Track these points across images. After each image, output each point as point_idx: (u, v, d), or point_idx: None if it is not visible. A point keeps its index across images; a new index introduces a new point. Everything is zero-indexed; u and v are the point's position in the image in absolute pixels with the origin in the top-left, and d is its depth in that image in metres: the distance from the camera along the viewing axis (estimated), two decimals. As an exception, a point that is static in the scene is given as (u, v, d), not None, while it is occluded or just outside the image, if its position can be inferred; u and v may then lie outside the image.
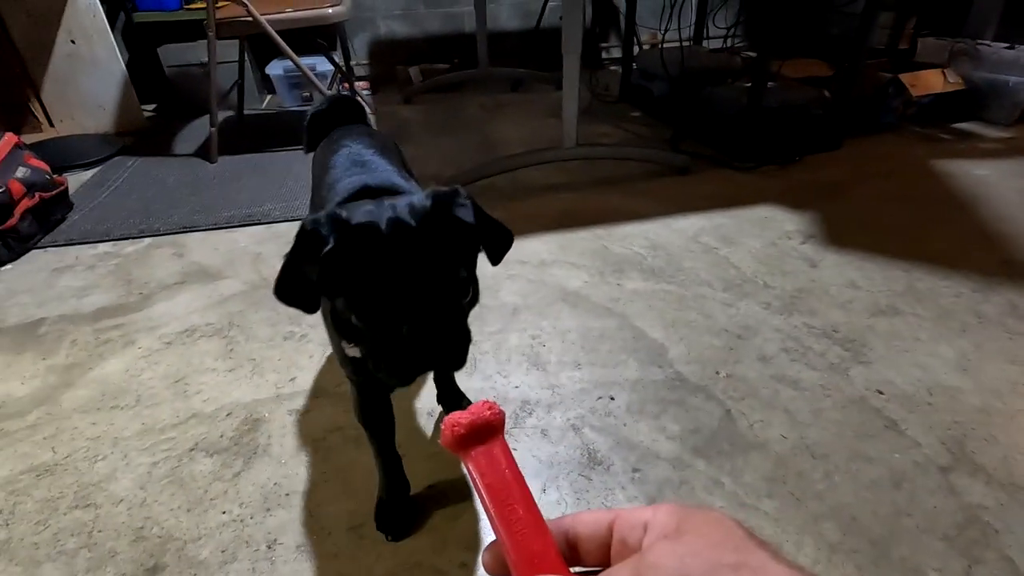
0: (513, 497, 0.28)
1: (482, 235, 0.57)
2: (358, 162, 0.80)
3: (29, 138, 2.25)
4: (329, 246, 0.50)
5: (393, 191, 0.71)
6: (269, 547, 0.79)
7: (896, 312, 1.19)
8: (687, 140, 2.10)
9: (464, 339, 0.54)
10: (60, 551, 0.80)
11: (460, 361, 0.54)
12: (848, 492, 0.83)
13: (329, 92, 2.23)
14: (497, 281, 1.34)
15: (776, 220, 1.57)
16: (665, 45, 2.20)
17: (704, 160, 1.95)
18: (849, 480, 0.85)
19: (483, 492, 0.29)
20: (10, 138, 1.60)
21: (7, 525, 0.83)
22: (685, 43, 2.21)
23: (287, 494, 0.86)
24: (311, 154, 1.00)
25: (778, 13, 1.94)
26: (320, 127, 1.00)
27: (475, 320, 1.18)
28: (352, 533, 0.80)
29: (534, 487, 0.82)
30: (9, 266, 1.49)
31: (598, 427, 0.96)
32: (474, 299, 0.57)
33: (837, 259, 1.38)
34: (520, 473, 0.29)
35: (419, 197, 0.54)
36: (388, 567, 0.76)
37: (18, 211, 1.50)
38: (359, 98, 2.60)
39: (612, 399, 1.01)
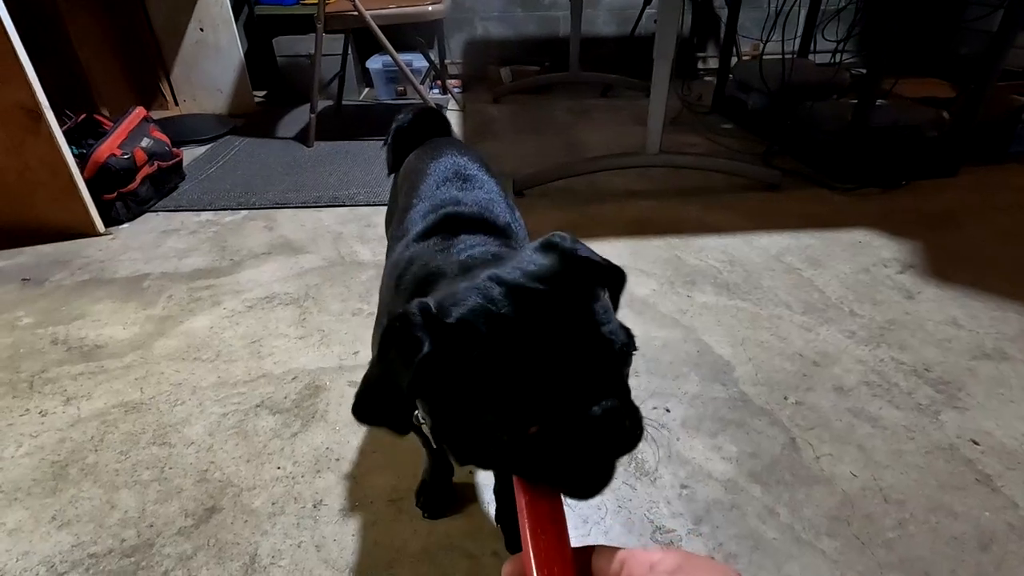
0: (546, 513, 0.31)
1: (611, 276, 0.44)
2: (461, 175, 0.73)
3: (157, 114, 2.49)
4: (425, 350, 0.36)
5: (487, 224, 0.62)
6: (315, 506, 0.82)
7: (1004, 357, 1.07)
8: (781, 156, 1.99)
9: (637, 410, 0.40)
10: (136, 480, 0.87)
11: (638, 436, 0.40)
12: (923, 545, 0.75)
13: (422, 87, 2.32)
14: (563, 281, 1.33)
15: (872, 246, 1.46)
16: (767, 57, 2.10)
17: (797, 177, 1.84)
18: (927, 532, 0.77)
19: (522, 503, 0.32)
20: (140, 111, 1.79)
21: (96, 451, 0.92)
22: (789, 55, 2.09)
23: (337, 459, 0.90)
24: (393, 175, 0.93)
25: (899, 29, 1.79)
26: (405, 143, 0.95)
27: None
28: (392, 506, 0.82)
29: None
30: (126, 225, 1.66)
31: (650, 438, 0.92)
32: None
33: (938, 293, 1.26)
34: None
35: (530, 254, 0.41)
36: (422, 543, 0.77)
37: (139, 176, 1.67)
38: (440, 100, 2.68)
39: (668, 411, 0.97)
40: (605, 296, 0.42)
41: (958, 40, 2.60)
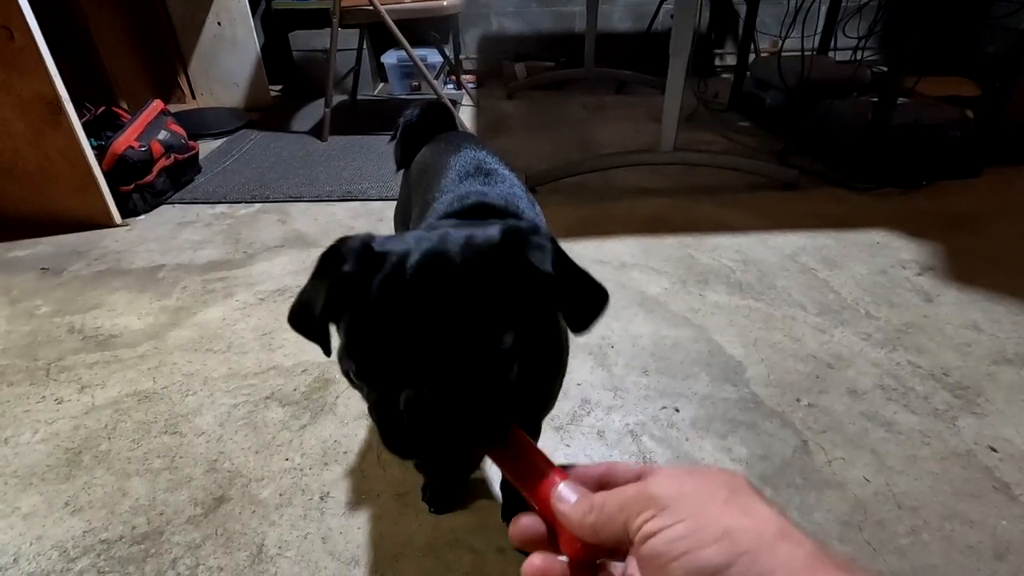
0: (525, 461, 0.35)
1: (563, 290, 0.40)
2: (483, 170, 0.72)
3: (174, 107, 2.52)
4: (345, 268, 0.39)
5: (513, 214, 0.62)
6: (322, 498, 0.83)
7: (1025, 363, 1.04)
8: (798, 154, 1.96)
9: (487, 429, 0.36)
10: (147, 468, 0.88)
11: (469, 461, 0.40)
12: (937, 553, 0.74)
13: (436, 82, 2.31)
14: (574, 278, 1.32)
15: (890, 247, 1.43)
16: (786, 53, 2.07)
17: (814, 176, 1.82)
18: (940, 540, 0.75)
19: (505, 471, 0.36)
20: (157, 104, 1.81)
21: (109, 439, 0.94)
22: (809, 52, 2.06)
23: (344, 452, 0.90)
24: (400, 172, 0.93)
25: (922, 25, 1.75)
26: (413, 139, 0.94)
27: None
28: (398, 500, 0.82)
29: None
30: (143, 216, 1.68)
31: (658, 437, 0.91)
32: (549, 368, 0.42)
33: (958, 296, 1.23)
34: (526, 444, 0.36)
35: (490, 230, 0.41)
36: (427, 538, 0.77)
37: (156, 169, 1.69)
38: (455, 96, 2.68)
39: (677, 411, 0.96)
40: (550, 307, 0.42)
41: (984, 38, 2.53)
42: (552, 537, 0.31)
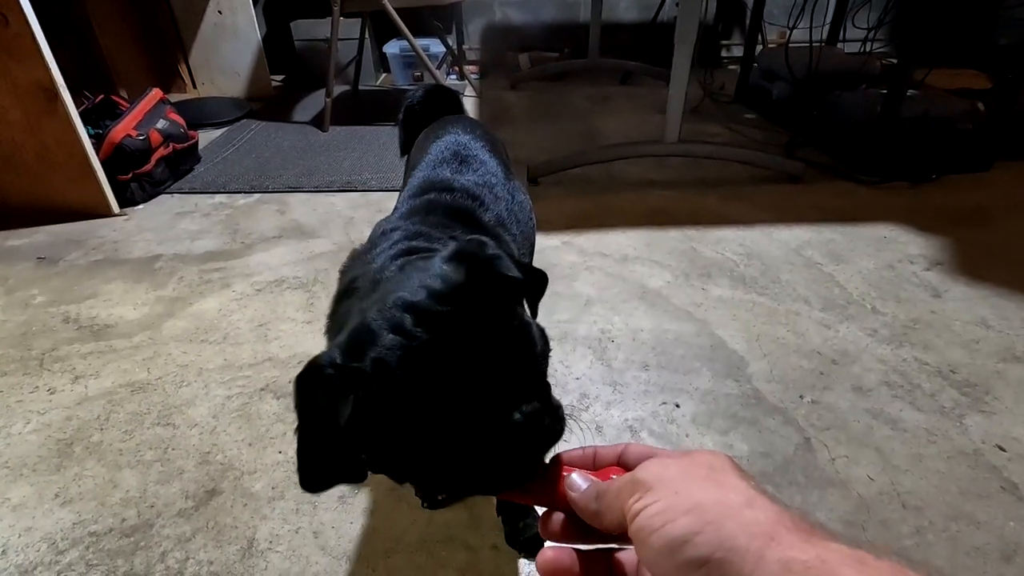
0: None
1: (527, 287, 0.44)
2: (460, 156, 0.72)
3: (175, 97, 2.50)
4: (349, 407, 0.35)
5: (465, 214, 0.63)
6: (314, 492, 0.82)
7: (1035, 361, 1.02)
8: (804, 147, 1.93)
9: (559, 406, 0.40)
10: (139, 460, 0.87)
11: (560, 430, 0.40)
12: (942, 554, 0.72)
13: (439, 72, 2.29)
14: (574, 271, 1.30)
15: (898, 241, 1.40)
16: (794, 45, 2.03)
17: (821, 170, 1.79)
18: (946, 541, 0.73)
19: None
20: (156, 93, 1.79)
21: (101, 430, 0.93)
22: (817, 44, 2.02)
23: (339, 445, 0.89)
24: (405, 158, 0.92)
25: (933, 17, 1.71)
26: (416, 121, 0.93)
27: (543, 307, 1.15)
28: (391, 494, 0.81)
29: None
30: (141, 206, 1.67)
31: (658, 432, 0.90)
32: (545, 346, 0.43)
33: (967, 292, 1.20)
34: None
35: (439, 266, 0.40)
36: (421, 533, 0.76)
37: (154, 158, 1.67)
38: (457, 86, 2.65)
39: (677, 406, 0.94)
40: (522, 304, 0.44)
41: (997, 30, 2.49)
42: (571, 525, 0.33)
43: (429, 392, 0.35)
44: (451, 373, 0.35)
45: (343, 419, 0.35)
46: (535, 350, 0.40)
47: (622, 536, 0.30)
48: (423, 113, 0.92)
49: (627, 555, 0.32)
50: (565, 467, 0.35)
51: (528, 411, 0.37)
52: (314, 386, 0.36)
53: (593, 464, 0.35)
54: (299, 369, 0.37)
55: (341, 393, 0.35)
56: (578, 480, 0.32)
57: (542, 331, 0.42)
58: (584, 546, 0.33)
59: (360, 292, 0.48)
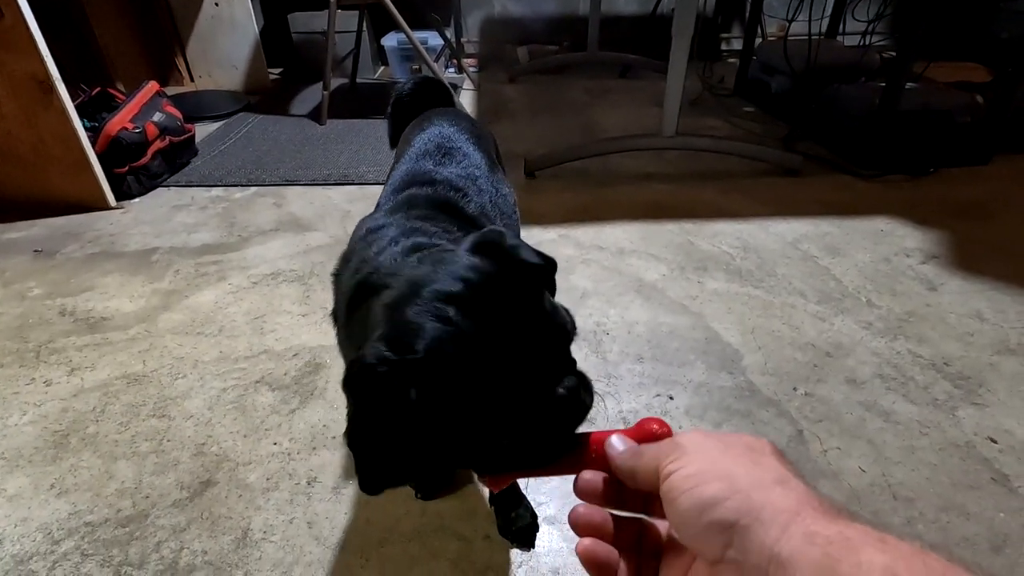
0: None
1: (547, 273, 0.45)
2: (443, 148, 0.72)
3: (172, 90, 2.50)
4: (413, 396, 0.35)
5: (450, 206, 0.63)
6: (309, 483, 0.82)
7: (1029, 353, 1.02)
8: (803, 140, 1.92)
9: (588, 380, 0.41)
10: (134, 451, 0.88)
11: (591, 403, 0.41)
12: (932, 545, 0.72)
13: (437, 65, 2.28)
14: (571, 264, 1.30)
15: (894, 235, 1.40)
16: (793, 38, 2.02)
17: (819, 163, 1.78)
18: (936, 532, 0.74)
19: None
20: (152, 86, 1.78)
21: (97, 421, 0.93)
22: (817, 36, 2.01)
23: (333, 437, 0.89)
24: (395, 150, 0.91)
25: (933, 10, 1.70)
26: (405, 113, 0.92)
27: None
28: (386, 485, 0.81)
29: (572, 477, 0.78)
30: (138, 199, 1.67)
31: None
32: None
33: (963, 285, 1.20)
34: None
35: (465, 258, 0.41)
36: (414, 523, 0.77)
37: (150, 151, 1.67)
38: (456, 80, 2.64)
39: (671, 398, 0.95)
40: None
41: (997, 23, 2.47)
42: (606, 488, 0.34)
43: (483, 375, 0.35)
44: (500, 356, 0.36)
45: (405, 414, 0.35)
46: (567, 328, 0.41)
47: (652, 501, 0.32)
48: (412, 105, 0.92)
49: (657, 523, 0.33)
50: (597, 433, 0.36)
51: (569, 385, 0.38)
52: (369, 385, 0.36)
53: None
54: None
55: (399, 388, 0.35)
56: (617, 441, 0.33)
57: (567, 311, 0.43)
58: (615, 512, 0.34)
59: (379, 292, 0.45)
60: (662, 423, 0.33)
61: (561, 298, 1.25)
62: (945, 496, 0.78)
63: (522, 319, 0.38)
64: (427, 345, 0.35)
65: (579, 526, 0.32)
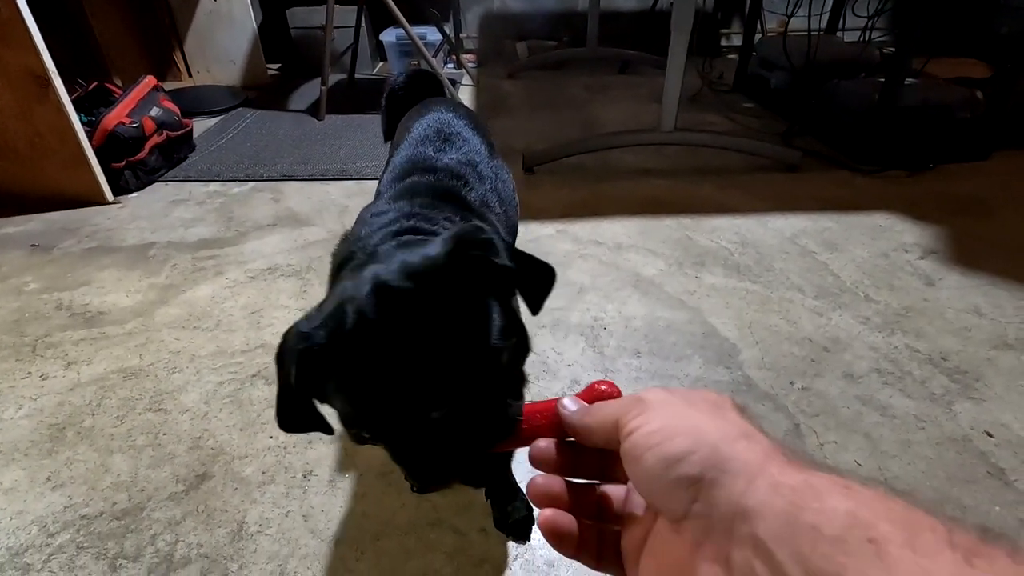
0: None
1: (522, 277, 0.43)
2: (443, 134, 0.72)
3: (170, 85, 2.49)
4: (304, 345, 0.38)
5: (450, 193, 0.63)
6: (304, 476, 0.82)
7: (1027, 348, 1.02)
8: (802, 136, 1.92)
9: (507, 420, 0.36)
10: (130, 445, 0.88)
11: (500, 430, 0.37)
12: (928, 538, 0.72)
13: (436, 60, 2.27)
14: (569, 259, 1.30)
15: (893, 230, 1.40)
16: (793, 33, 2.01)
17: (818, 159, 1.78)
18: (932, 525, 0.74)
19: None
20: (149, 80, 1.78)
21: (93, 415, 0.93)
22: (817, 32, 2.00)
23: (329, 431, 0.89)
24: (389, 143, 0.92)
25: (933, 5, 1.70)
26: (400, 106, 0.93)
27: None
28: (381, 479, 0.81)
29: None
30: (135, 194, 1.66)
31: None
32: (520, 351, 0.42)
33: (961, 280, 1.20)
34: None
35: (431, 246, 0.41)
36: (410, 517, 0.76)
37: (148, 146, 1.67)
38: (454, 75, 2.63)
39: (668, 393, 0.94)
40: (513, 296, 0.43)
41: (997, 19, 2.46)
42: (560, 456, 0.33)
43: (357, 372, 0.36)
44: (384, 355, 0.35)
45: (293, 379, 0.39)
46: (488, 343, 0.37)
47: (608, 466, 0.32)
48: (407, 98, 0.92)
49: (614, 489, 0.33)
50: (546, 402, 0.34)
51: (445, 413, 0.35)
52: (281, 347, 0.41)
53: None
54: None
55: (294, 356, 0.38)
56: (569, 402, 0.33)
57: (518, 327, 0.41)
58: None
59: (353, 266, 0.48)
60: (611, 384, 0.33)
61: (559, 293, 1.25)
62: (941, 490, 0.78)
63: (440, 320, 0.36)
64: (322, 326, 0.38)
65: (538, 497, 0.32)
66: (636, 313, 1.13)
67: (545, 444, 0.33)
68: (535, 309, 0.44)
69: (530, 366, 0.99)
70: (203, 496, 0.80)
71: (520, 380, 0.45)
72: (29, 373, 1.01)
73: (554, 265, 0.46)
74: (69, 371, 1.02)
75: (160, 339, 1.09)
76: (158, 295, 1.22)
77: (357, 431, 0.37)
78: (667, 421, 0.26)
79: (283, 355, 0.40)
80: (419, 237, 0.51)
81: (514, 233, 0.84)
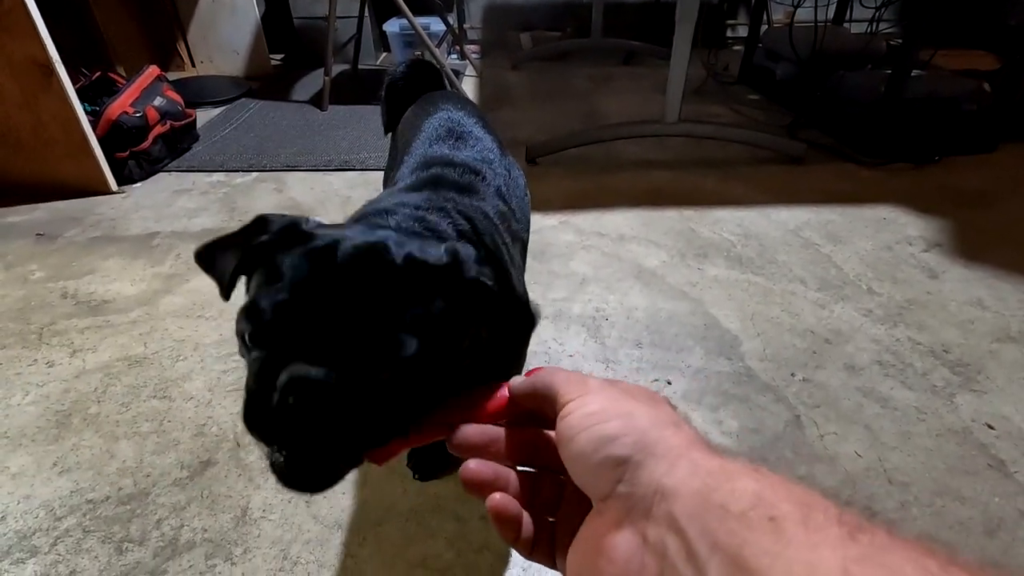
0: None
1: (501, 309, 0.40)
2: (455, 132, 0.71)
3: (174, 75, 2.49)
4: (263, 238, 0.39)
5: (471, 190, 0.61)
6: (307, 464, 0.83)
7: (1030, 341, 1.02)
8: (807, 128, 1.91)
9: (362, 437, 0.35)
10: (135, 432, 0.88)
11: (335, 467, 0.36)
12: (926, 528, 0.73)
13: (439, 51, 2.26)
14: (571, 250, 1.30)
15: (897, 223, 1.39)
16: (800, 24, 2.00)
17: (823, 151, 1.77)
18: (930, 516, 0.74)
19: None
20: (153, 70, 1.78)
21: (98, 402, 0.94)
22: (823, 23, 1.99)
23: (332, 419, 0.90)
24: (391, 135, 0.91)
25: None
26: (400, 98, 0.92)
27: (539, 286, 1.16)
28: (383, 467, 0.82)
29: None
30: (139, 184, 1.67)
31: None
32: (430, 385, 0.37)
33: (965, 273, 1.20)
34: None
35: (434, 248, 0.39)
36: (411, 504, 0.77)
37: (151, 135, 1.67)
38: (458, 66, 2.62)
39: (669, 383, 0.95)
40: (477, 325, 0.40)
41: (1006, 10, 2.44)
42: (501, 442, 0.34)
43: (287, 280, 0.36)
44: (315, 286, 0.35)
45: (234, 260, 0.41)
46: (397, 352, 0.34)
47: (538, 451, 0.33)
48: (407, 89, 0.91)
49: (551, 479, 0.33)
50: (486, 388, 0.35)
51: (299, 374, 0.32)
52: (252, 226, 0.42)
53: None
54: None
55: (252, 236, 0.41)
56: (516, 379, 0.34)
57: (412, 340, 0.35)
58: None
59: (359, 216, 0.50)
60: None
61: (561, 283, 1.25)
62: (940, 481, 0.78)
63: (386, 307, 0.34)
64: (288, 237, 0.39)
65: (473, 483, 0.32)
66: (638, 304, 1.13)
67: (468, 429, 0.34)
68: (514, 355, 0.42)
69: (532, 356, 1.00)
70: (207, 482, 0.81)
71: (410, 417, 0.37)
72: (35, 360, 1.02)
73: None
74: (75, 359, 1.03)
75: (164, 328, 1.10)
76: (162, 284, 1.23)
77: (246, 325, 0.35)
78: (604, 404, 0.28)
79: (251, 229, 0.41)
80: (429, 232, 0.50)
81: (527, 227, 0.84)
